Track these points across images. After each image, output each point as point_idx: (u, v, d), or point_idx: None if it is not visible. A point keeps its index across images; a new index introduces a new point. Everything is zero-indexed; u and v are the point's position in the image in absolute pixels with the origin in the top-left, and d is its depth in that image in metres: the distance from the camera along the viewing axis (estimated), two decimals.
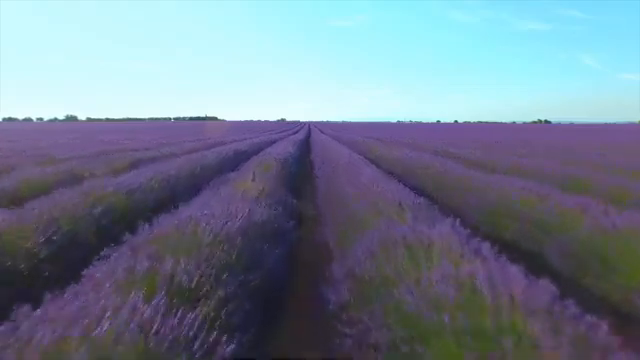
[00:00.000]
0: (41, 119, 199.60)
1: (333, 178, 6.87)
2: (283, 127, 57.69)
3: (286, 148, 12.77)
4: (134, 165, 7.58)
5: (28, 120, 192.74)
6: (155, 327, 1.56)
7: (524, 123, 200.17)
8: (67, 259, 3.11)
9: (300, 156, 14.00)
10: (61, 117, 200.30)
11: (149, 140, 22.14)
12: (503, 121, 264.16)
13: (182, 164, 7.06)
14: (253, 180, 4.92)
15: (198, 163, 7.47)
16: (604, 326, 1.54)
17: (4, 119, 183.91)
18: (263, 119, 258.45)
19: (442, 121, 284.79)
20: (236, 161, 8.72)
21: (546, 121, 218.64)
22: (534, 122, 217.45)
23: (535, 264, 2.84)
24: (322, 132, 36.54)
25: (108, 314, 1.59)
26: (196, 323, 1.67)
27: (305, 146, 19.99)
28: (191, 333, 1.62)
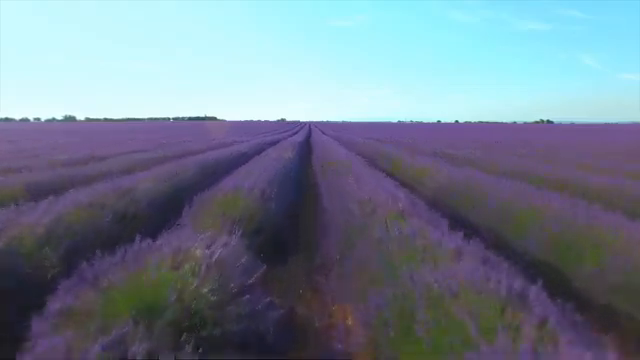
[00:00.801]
0: (38, 119, 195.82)
1: (345, 207, 4.36)
2: (283, 127, 54.96)
3: (282, 154, 10.27)
4: (54, 191, 5.06)
5: (25, 120, 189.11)
6: None
7: (525, 123, 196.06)
8: None
9: (300, 161, 11.63)
10: (59, 117, 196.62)
11: (143, 141, 19.72)
12: (504, 121, 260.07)
13: (115, 192, 4.50)
14: (207, 249, 2.38)
15: (146, 193, 4.83)
16: None
17: (1, 119, 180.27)
18: (263, 119, 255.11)
19: (443, 121, 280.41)
20: (208, 181, 6.17)
21: (548, 121, 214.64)
22: (536, 122, 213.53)
23: None
24: (324, 133, 34.13)
25: None
26: None
27: (306, 148, 17.59)
28: None
